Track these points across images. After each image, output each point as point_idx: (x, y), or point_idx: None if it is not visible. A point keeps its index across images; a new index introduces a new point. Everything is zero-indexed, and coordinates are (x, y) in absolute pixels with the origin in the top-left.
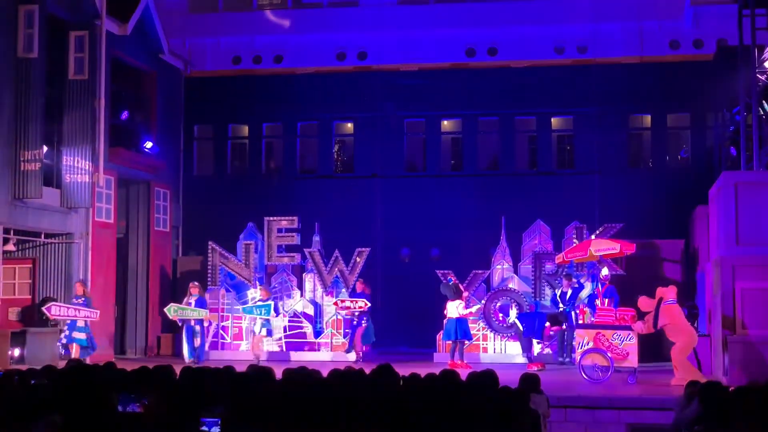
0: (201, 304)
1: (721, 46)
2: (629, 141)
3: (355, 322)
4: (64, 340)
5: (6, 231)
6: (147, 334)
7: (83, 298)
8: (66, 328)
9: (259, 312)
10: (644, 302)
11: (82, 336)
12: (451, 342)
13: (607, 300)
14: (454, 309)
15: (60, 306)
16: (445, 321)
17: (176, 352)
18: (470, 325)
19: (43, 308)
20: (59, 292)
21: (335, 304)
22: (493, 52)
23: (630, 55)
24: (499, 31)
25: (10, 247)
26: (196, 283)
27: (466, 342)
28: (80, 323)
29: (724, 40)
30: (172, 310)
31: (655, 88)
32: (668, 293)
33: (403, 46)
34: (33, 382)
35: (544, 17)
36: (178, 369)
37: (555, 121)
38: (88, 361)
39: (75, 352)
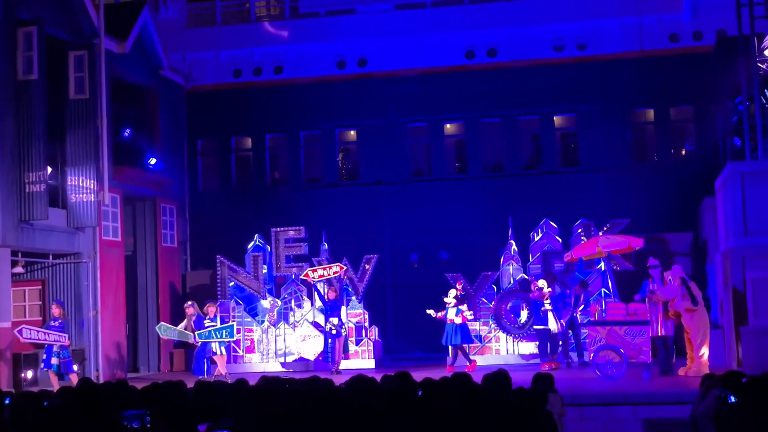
0: (199, 323)
1: (721, 36)
2: (633, 136)
3: (334, 332)
4: (41, 365)
5: (14, 253)
6: (159, 351)
7: (60, 321)
8: (44, 353)
9: (219, 335)
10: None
11: (55, 361)
12: (453, 346)
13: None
14: (453, 313)
15: (31, 329)
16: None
17: (189, 367)
18: (481, 327)
19: (15, 331)
20: (69, 313)
21: (306, 275)
22: (492, 53)
23: (630, 50)
24: (497, 32)
25: (19, 269)
26: (189, 303)
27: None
28: (55, 348)
29: (723, 30)
30: (161, 329)
31: (657, 82)
32: (680, 271)
33: (403, 51)
34: (46, 404)
35: (542, 16)
36: (190, 384)
37: (558, 120)
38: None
39: (53, 379)
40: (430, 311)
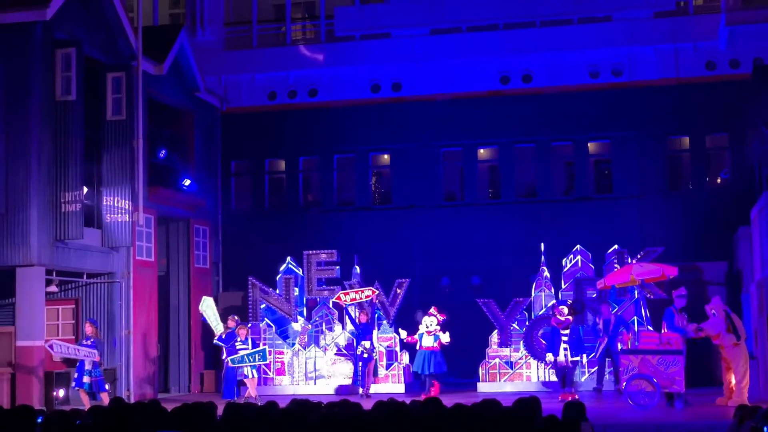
0: (230, 338)
1: (758, 65)
2: (668, 163)
3: (366, 356)
4: (73, 384)
5: (48, 272)
6: (190, 371)
7: (93, 339)
8: (75, 371)
9: (252, 359)
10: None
11: (87, 380)
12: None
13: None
14: (431, 341)
15: (61, 344)
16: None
17: (219, 389)
18: (512, 353)
19: (45, 344)
20: (102, 332)
21: (338, 298)
22: (527, 78)
23: (666, 77)
24: (533, 58)
25: (53, 288)
26: (236, 317)
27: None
28: (87, 366)
29: (760, 59)
30: (205, 303)
31: (693, 110)
32: (721, 303)
33: (437, 76)
34: (78, 422)
35: (578, 42)
36: (220, 406)
37: (592, 146)
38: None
39: (84, 398)
40: (403, 333)
